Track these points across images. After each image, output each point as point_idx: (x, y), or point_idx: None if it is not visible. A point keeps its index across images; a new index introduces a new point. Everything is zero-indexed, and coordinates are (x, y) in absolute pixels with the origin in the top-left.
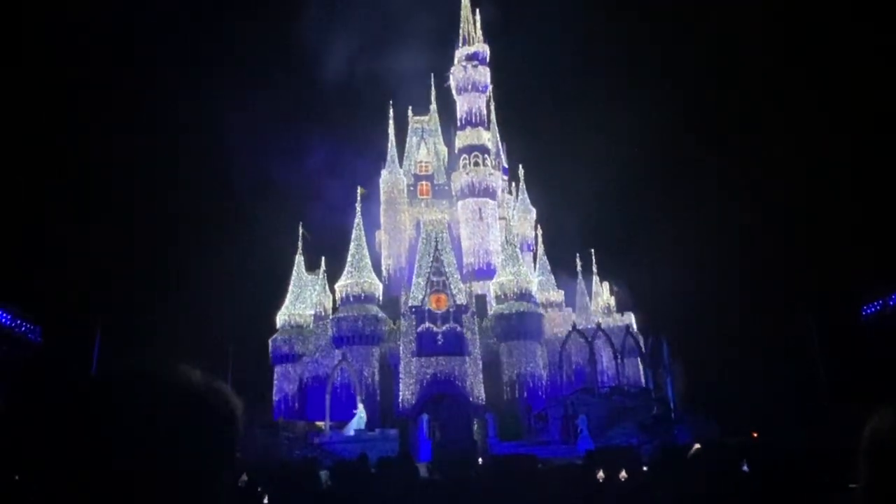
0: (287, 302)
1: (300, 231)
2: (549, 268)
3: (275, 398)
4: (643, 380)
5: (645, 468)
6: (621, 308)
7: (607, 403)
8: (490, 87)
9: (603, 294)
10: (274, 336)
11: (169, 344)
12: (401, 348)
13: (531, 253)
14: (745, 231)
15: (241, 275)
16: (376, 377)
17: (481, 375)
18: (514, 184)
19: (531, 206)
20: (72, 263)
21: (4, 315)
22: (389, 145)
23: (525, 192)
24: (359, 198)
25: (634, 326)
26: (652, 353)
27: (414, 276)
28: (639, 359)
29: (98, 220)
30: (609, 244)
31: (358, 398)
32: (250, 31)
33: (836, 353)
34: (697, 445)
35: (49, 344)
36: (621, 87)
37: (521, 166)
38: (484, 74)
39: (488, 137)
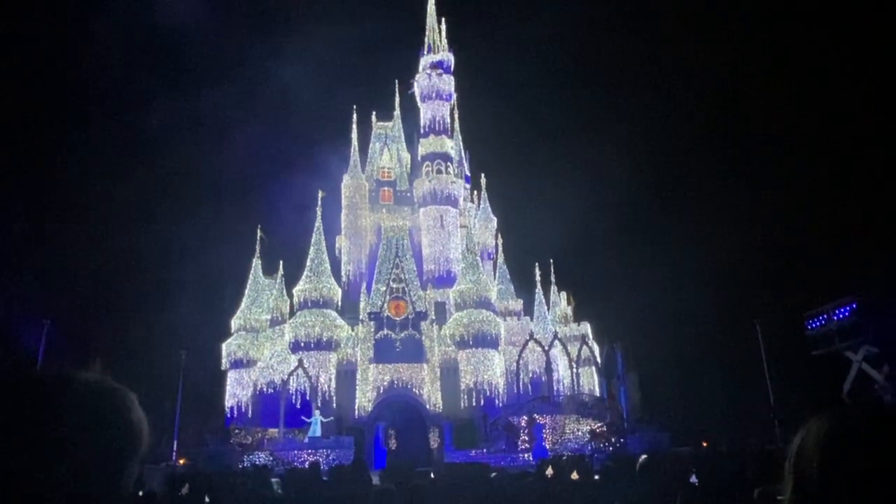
0: (243, 306)
1: (258, 234)
2: (508, 276)
3: (227, 404)
4: (598, 389)
5: (596, 476)
6: (578, 318)
7: (562, 412)
8: (454, 96)
9: (561, 303)
10: (228, 340)
11: (119, 345)
12: (358, 355)
13: (491, 261)
14: (700, 242)
15: (196, 277)
16: (333, 384)
17: (439, 383)
18: (475, 192)
19: (492, 215)
20: (24, 260)
21: None
22: (352, 150)
23: (487, 201)
24: (319, 201)
25: (591, 336)
26: (607, 363)
27: (374, 282)
28: (594, 368)
29: (53, 218)
30: (567, 254)
31: (313, 405)
32: (214, 28)
33: (782, 365)
34: (644, 455)
35: None
36: (585, 96)
37: (483, 175)
38: (448, 83)
39: (451, 146)
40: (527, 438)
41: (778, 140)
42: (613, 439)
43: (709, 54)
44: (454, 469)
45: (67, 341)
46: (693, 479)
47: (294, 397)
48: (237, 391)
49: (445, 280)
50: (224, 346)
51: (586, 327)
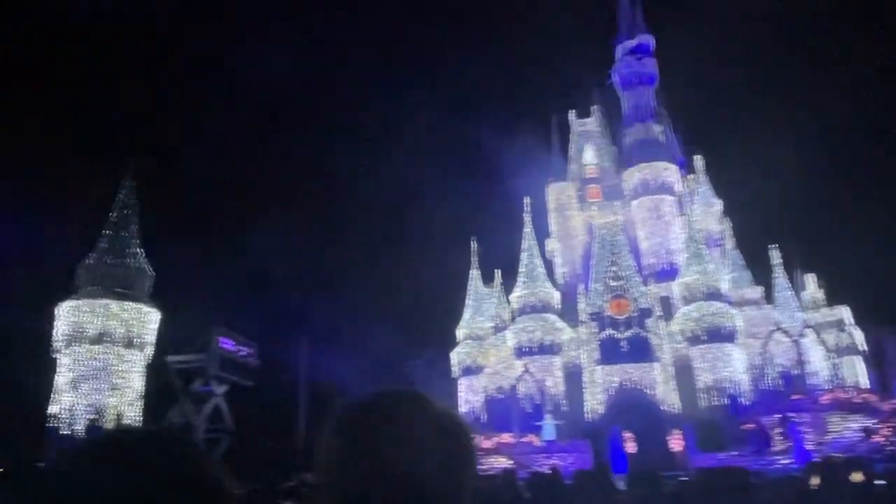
0: (466, 315)
1: (472, 245)
2: (741, 262)
3: (461, 410)
4: (866, 381)
5: (880, 482)
6: (832, 302)
7: (823, 408)
8: (657, 79)
9: (809, 287)
10: (456, 349)
11: (360, 356)
12: (583, 357)
13: (719, 248)
14: None
15: (420, 290)
16: (561, 387)
17: (673, 382)
18: (692, 176)
19: (714, 198)
20: (280, 287)
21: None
22: (554, 151)
23: (706, 183)
24: (527, 207)
25: (851, 321)
26: (875, 350)
27: (591, 282)
28: (859, 357)
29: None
30: (810, 232)
31: (544, 409)
32: (415, 34)
33: None
34: None
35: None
36: (801, 65)
37: (699, 157)
38: (650, 66)
39: (659, 131)
40: (781, 440)
41: None
42: (894, 437)
43: None
44: (708, 474)
45: (318, 352)
46: None
47: (524, 401)
48: (469, 397)
49: (668, 273)
50: (453, 354)
51: (844, 311)
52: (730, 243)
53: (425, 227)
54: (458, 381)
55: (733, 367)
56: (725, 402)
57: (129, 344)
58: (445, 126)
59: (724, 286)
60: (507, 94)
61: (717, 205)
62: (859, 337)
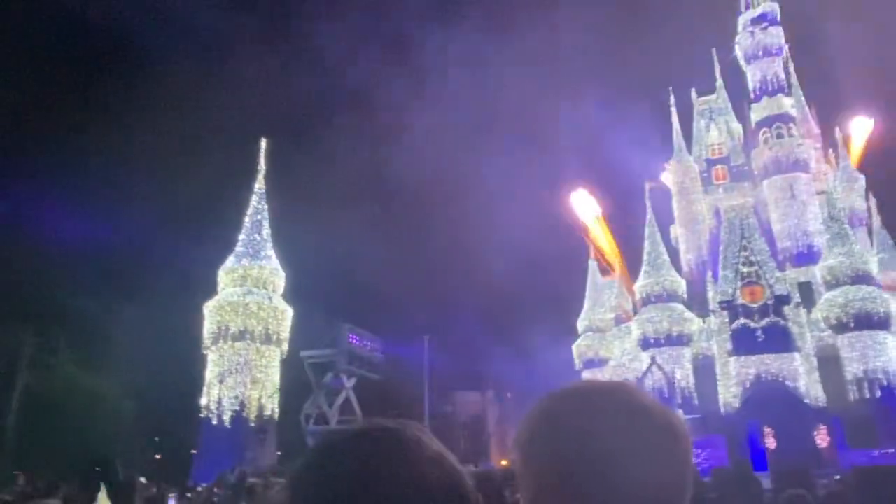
0: (586, 307)
1: (587, 237)
2: (891, 242)
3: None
4: None
5: None
6: None
7: None
8: (786, 48)
9: None
10: (577, 342)
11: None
12: (714, 348)
13: (864, 228)
14: None
15: (536, 282)
16: (691, 380)
17: (817, 374)
18: (831, 151)
19: (857, 173)
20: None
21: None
22: (674, 132)
23: (846, 158)
24: (647, 193)
25: None
26: None
27: (720, 269)
28: None
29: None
30: None
31: (674, 402)
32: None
33: None
34: None
35: None
36: None
37: (837, 129)
38: (776, 35)
39: (791, 104)
40: None
41: None
42: None
43: None
44: (866, 472)
45: (444, 355)
46: None
47: (653, 394)
48: None
49: (807, 257)
50: (574, 347)
51: None
52: (877, 221)
53: (535, 217)
54: (581, 374)
55: (887, 357)
56: (878, 394)
57: (266, 340)
58: (551, 106)
59: (874, 268)
60: (620, 70)
61: (861, 180)
62: None
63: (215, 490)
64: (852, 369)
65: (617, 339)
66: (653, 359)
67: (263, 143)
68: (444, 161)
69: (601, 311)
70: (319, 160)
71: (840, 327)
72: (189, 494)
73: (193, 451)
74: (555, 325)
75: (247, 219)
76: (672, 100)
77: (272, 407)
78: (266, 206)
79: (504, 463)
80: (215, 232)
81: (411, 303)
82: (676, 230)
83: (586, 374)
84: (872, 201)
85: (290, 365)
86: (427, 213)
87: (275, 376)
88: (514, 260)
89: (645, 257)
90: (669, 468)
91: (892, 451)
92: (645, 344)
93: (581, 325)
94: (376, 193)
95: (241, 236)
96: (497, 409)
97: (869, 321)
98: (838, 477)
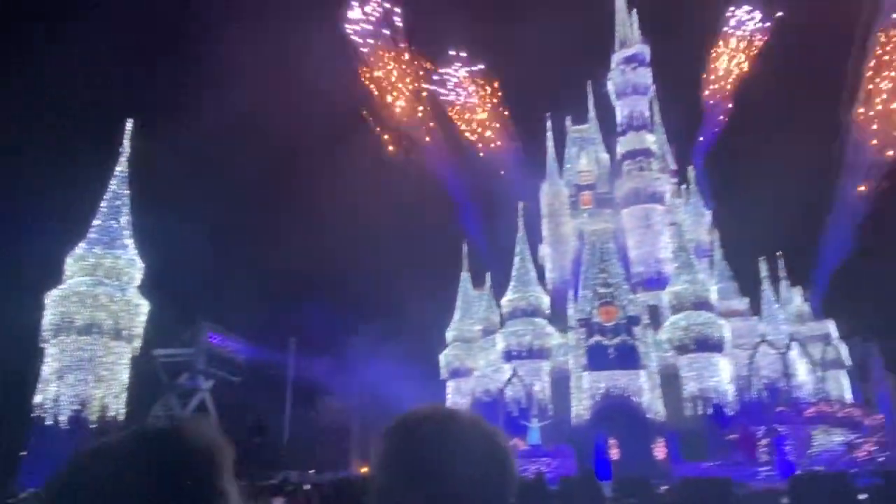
0: (456, 318)
1: (464, 248)
2: (729, 274)
3: None
4: (850, 395)
5: (861, 496)
6: (819, 315)
7: (807, 422)
8: (652, 88)
9: (795, 300)
10: (445, 351)
11: (354, 363)
12: (571, 362)
13: (707, 259)
14: None
15: (412, 292)
16: (548, 392)
17: (659, 390)
18: (684, 186)
19: (704, 209)
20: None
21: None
22: (548, 157)
23: (697, 194)
24: (520, 212)
25: (836, 335)
26: (860, 365)
27: (580, 289)
28: (843, 371)
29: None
30: (798, 245)
31: (531, 413)
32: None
33: None
34: None
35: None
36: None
37: (690, 168)
38: (644, 76)
39: (652, 140)
40: (766, 451)
41: None
42: (875, 452)
43: None
44: (691, 483)
45: (307, 354)
46: None
47: (511, 405)
48: (457, 399)
49: (657, 282)
50: (442, 356)
51: (829, 325)
52: (718, 254)
53: (417, 228)
54: (447, 383)
55: (719, 378)
56: (710, 411)
57: (116, 335)
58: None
59: (713, 296)
60: (505, 97)
61: (707, 215)
62: (844, 351)
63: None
64: (689, 388)
65: (483, 350)
66: (514, 371)
67: (129, 124)
68: (322, 158)
69: (470, 322)
70: (192, 147)
71: (681, 348)
72: (10, 501)
73: (23, 454)
74: (424, 335)
75: (104, 203)
76: (548, 125)
77: (117, 407)
78: (127, 192)
79: (364, 470)
80: (68, 215)
81: (280, 305)
82: (545, 249)
83: (451, 384)
84: (716, 235)
85: (142, 363)
86: (303, 213)
87: (123, 375)
88: (388, 267)
89: (514, 273)
90: (497, 476)
91: (719, 463)
92: (508, 356)
93: (450, 335)
94: (253, 187)
95: (96, 222)
96: (361, 417)
97: (706, 344)
98: (667, 487)
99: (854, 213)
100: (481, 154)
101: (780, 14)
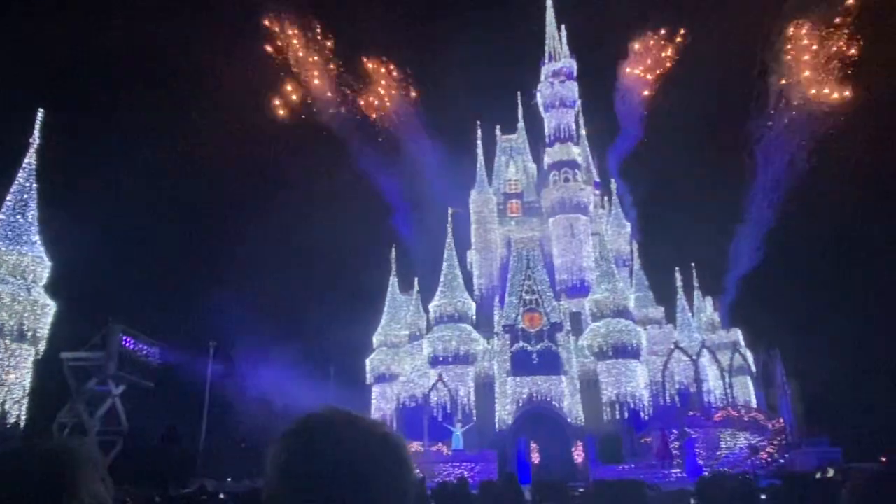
0: (383, 322)
1: (392, 253)
2: (646, 283)
3: (373, 417)
4: (754, 400)
5: (763, 496)
6: (727, 324)
7: (716, 425)
8: (578, 102)
9: (706, 310)
10: (371, 356)
11: (278, 366)
12: (495, 368)
13: (627, 268)
14: (856, 228)
15: (338, 297)
16: (472, 397)
17: (579, 395)
18: (606, 198)
19: (625, 221)
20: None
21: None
22: (478, 165)
23: (618, 206)
24: (449, 218)
25: (742, 343)
26: (763, 371)
27: (506, 295)
28: (749, 377)
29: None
30: (710, 256)
31: (455, 418)
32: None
33: None
34: (831, 471)
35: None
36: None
37: (612, 181)
38: (571, 89)
39: (578, 152)
40: (678, 454)
41: None
42: (776, 454)
43: None
44: (605, 486)
45: (230, 362)
46: None
47: (436, 410)
48: (382, 405)
49: (579, 290)
50: (368, 361)
51: (737, 334)
52: (637, 264)
53: (347, 232)
54: (372, 388)
55: (636, 383)
56: (627, 416)
57: (19, 337)
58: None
59: (631, 305)
60: (436, 102)
61: (627, 227)
62: (750, 358)
63: None
64: (608, 393)
65: (409, 355)
66: (440, 376)
67: (40, 114)
68: (253, 160)
69: (397, 327)
70: (110, 140)
71: (601, 354)
72: None
73: None
74: (350, 340)
75: (10, 197)
76: (479, 133)
77: (18, 414)
78: (35, 186)
79: None
80: None
81: (200, 307)
82: (473, 255)
83: (376, 389)
84: (635, 246)
85: (47, 367)
86: (229, 211)
87: (25, 379)
88: (315, 273)
89: (442, 278)
90: (394, 482)
91: (633, 466)
92: (434, 361)
93: (377, 339)
94: (173, 181)
95: (1, 216)
96: (281, 424)
97: (624, 350)
98: (582, 489)
99: (761, 225)
100: (403, 152)
101: (683, 32)
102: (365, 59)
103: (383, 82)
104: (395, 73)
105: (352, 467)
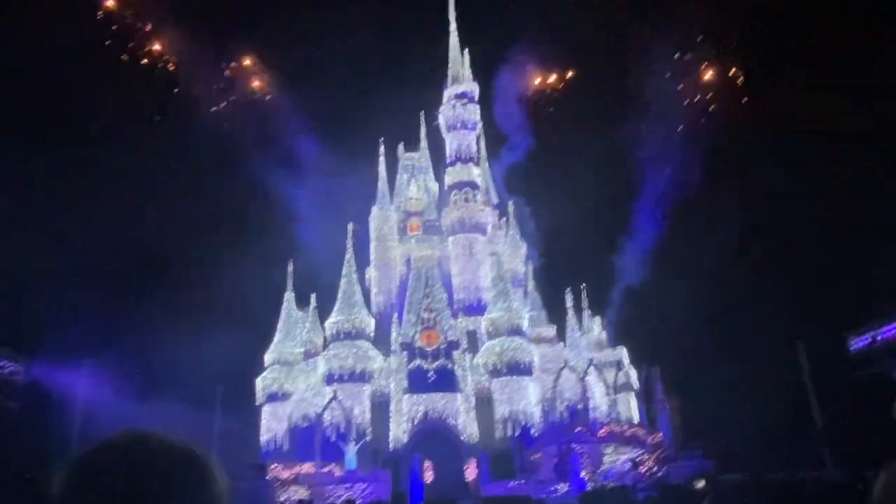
0: (276, 339)
1: (289, 268)
2: (540, 303)
3: (262, 439)
4: (637, 415)
5: None
6: (613, 342)
7: (600, 441)
8: (479, 125)
9: (594, 329)
10: (262, 374)
11: (157, 382)
12: (392, 386)
13: (522, 288)
14: (734, 259)
15: (229, 313)
16: (367, 415)
17: (474, 413)
18: (504, 219)
19: (521, 241)
20: (49, 295)
21: None
22: (380, 182)
23: (515, 227)
24: (349, 234)
25: (627, 361)
26: (645, 388)
27: (405, 313)
28: (632, 394)
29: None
30: (603, 272)
31: (349, 437)
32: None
33: (825, 386)
34: (702, 482)
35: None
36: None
37: (510, 202)
38: (473, 112)
39: (478, 174)
40: (564, 469)
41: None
42: (655, 468)
43: None
44: (493, 502)
45: (106, 378)
46: None
47: (329, 430)
48: (272, 425)
49: (476, 308)
50: (259, 380)
51: (622, 352)
52: (531, 284)
53: (242, 243)
54: (262, 409)
55: (528, 400)
56: (518, 432)
57: None
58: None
59: (525, 323)
60: (339, 116)
61: (523, 248)
62: (633, 375)
63: None
64: (501, 410)
65: (304, 373)
66: (334, 393)
67: None
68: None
69: (292, 344)
70: None
71: (495, 372)
72: None
73: None
74: (240, 357)
75: None
76: (381, 150)
77: None
78: None
79: None
80: None
81: (79, 320)
82: (371, 272)
83: (267, 409)
84: (530, 267)
85: None
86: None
87: None
88: (207, 287)
89: (340, 295)
90: (197, 501)
91: (522, 482)
92: (329, 379)
93: (269, 357)
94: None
95: None
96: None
97: (517, 368)
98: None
99: (646, 239)
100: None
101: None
102: (249, 61)
103: (259, 83)
104: (271, 80)
105: (149, 490)
